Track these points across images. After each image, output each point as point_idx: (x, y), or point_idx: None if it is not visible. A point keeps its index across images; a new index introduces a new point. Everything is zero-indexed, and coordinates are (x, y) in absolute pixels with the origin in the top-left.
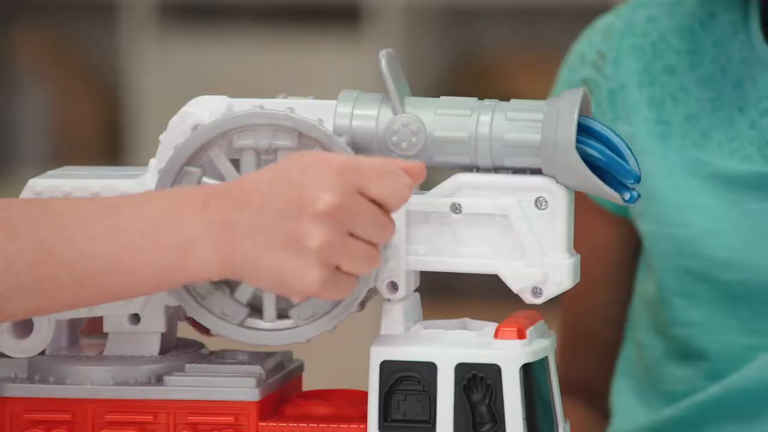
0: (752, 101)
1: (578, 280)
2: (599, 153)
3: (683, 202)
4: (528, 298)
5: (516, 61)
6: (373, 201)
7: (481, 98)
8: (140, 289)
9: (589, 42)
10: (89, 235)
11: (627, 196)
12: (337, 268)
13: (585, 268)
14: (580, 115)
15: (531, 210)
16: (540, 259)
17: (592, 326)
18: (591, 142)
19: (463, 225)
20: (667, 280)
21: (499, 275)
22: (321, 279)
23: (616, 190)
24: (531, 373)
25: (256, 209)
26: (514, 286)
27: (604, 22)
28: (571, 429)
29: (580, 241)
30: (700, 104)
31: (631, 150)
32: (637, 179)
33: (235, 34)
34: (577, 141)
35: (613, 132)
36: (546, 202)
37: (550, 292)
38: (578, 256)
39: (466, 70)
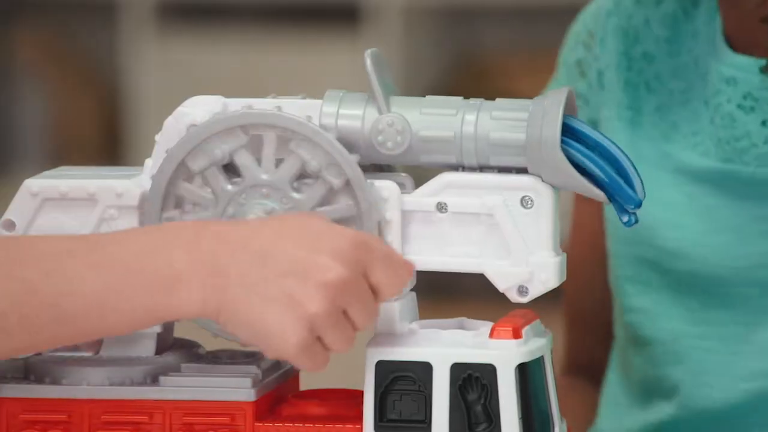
0: (710, 95)
1: (564, 278)
2: (602, 173)
3: (647, 193)
4: (514, 297)
5: (516, 61)
6: (370, 285)
7: (479, 98)
8: (123, 327)
9: (583, 22)
10: (73, 272)
11: (625, 218)
12: (318, 339)
13: (578, 252)
14: (586, 125)
15: (517, 209)
16: (526, 257)
17: (589, 310)
18: (596, 158)
19: (449, 224)
20: (622, 266)
21: (485, 274)
22: (303, 343)
23: (616, 207)
24: (527, 373)
25: (255, 258)
26: (500, 285)
27: (597, 1)
28: (568, 429)
29: (575, 231)
30: (672, 95)
31: (636, 169)
32: (639, 205)
33: (235, 34)
34: (582, 154)
35: (619, 148)
36: (532, 201)
37: (536, 291)
38: (564, 255)
39: (466, 70)
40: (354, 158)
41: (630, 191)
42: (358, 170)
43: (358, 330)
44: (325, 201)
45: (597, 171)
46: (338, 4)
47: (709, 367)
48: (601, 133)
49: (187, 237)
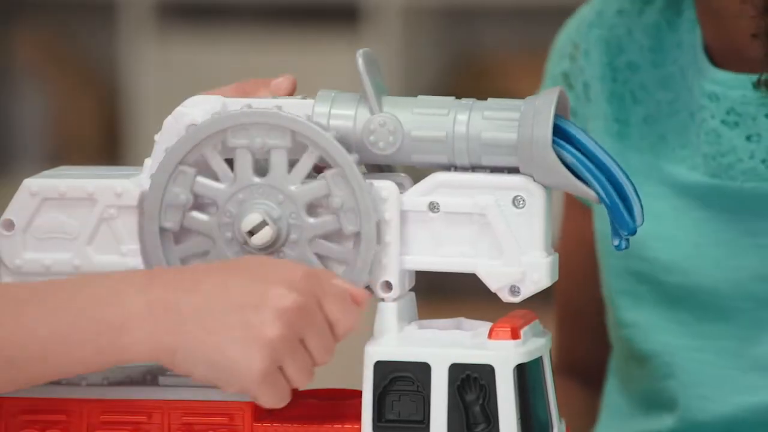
0: (695, 109)
1: (556, 278)
2: (605, 193)
3: None
4: (506, 297)
5: (516, 61)
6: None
7: (478, 98)
8: (75, 372)
9: (567, 34)
10: (24, 321)
11: (616, 242)
12: (279, 370)
13: (570, 256)
14: (585, 133)
15: (509, 209)
16: (518, 257)
17: (580, 310)
18: (601, 177)
19: (441, 224)
20: (613, 279)
21: (477, 274)
22: (266, 371)
23: (611, 228)
24: (525, 373)
25: (207, 295)
26: (492, 284)
27: (580, 13)
28: (567, 429)
29: (565, 230)
30: (659, 106)
31: (636, 192)
32: (634, 232)
33: (235, 34)
34: (585, 169)
35: (619, 167)
36: (523, 200)
37: (527, 291)
38: (556, 255)
39: (466, 70)
40: (376, 215)
41: (627, 217)
42: (374, 230)
43: (317, 364)
44: (329, 237)
45: (600, 191)
46: (338, 4)
47: (705, 380)
48: (603, 149)
49: (138, 283)
